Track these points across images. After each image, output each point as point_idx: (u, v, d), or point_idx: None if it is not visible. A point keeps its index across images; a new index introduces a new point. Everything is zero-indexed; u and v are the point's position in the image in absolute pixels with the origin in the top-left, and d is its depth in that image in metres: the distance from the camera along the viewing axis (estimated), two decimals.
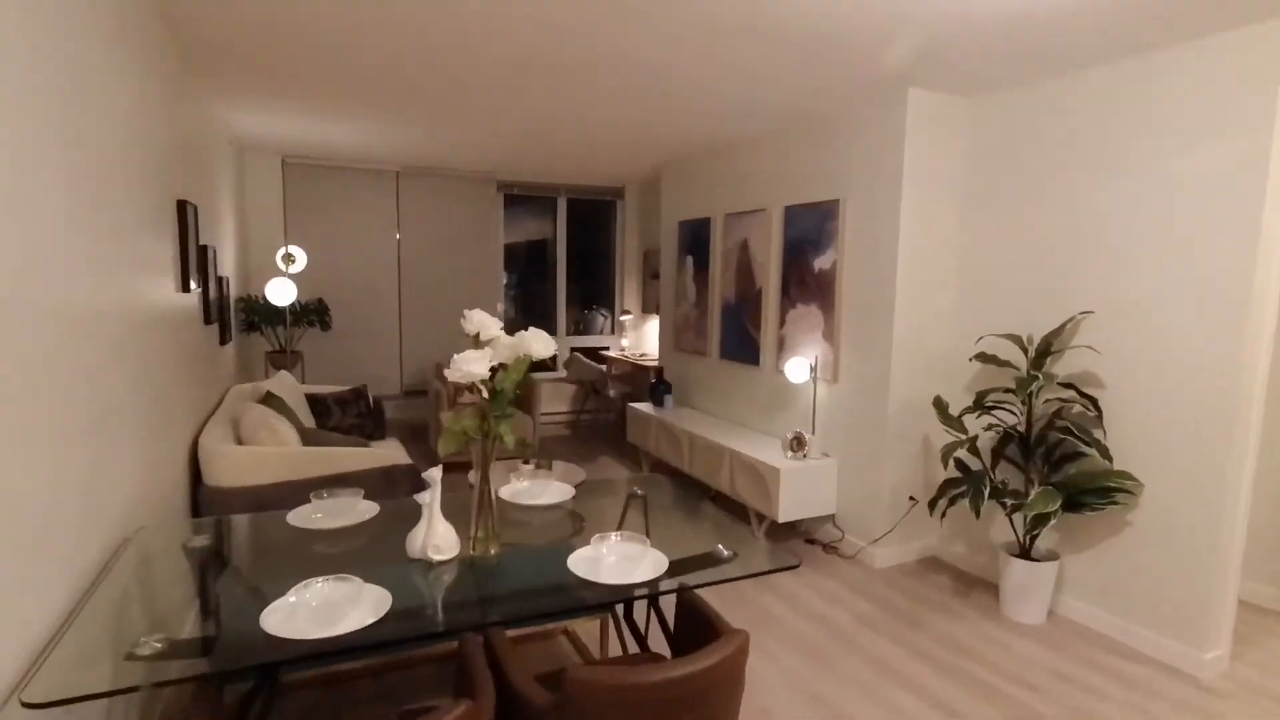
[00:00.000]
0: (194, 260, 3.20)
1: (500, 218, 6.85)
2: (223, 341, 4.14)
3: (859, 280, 3.77)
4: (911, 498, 3.77)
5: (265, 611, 1.53)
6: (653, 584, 1.76)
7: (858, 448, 3.83)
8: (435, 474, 1.84)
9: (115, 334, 2.00)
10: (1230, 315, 2.59)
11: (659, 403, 5.42)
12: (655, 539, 2.07)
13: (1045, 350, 3.08)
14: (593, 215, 7.46)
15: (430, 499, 1.83)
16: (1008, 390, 3.14)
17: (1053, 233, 3.18)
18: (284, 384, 4.27)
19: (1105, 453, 2.89)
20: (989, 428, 3.27)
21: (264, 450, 3.03)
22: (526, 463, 4.20)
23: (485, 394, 1.74)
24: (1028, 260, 3.29)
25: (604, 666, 1.36)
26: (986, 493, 3.01)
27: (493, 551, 1.88)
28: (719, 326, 5.06)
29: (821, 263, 4.00)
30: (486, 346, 1.81)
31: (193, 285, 3.15)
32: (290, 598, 1.55)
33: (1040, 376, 2.97)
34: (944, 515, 3.29)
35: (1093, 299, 3.03)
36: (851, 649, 2.87)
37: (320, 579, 1.59)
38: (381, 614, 1.54)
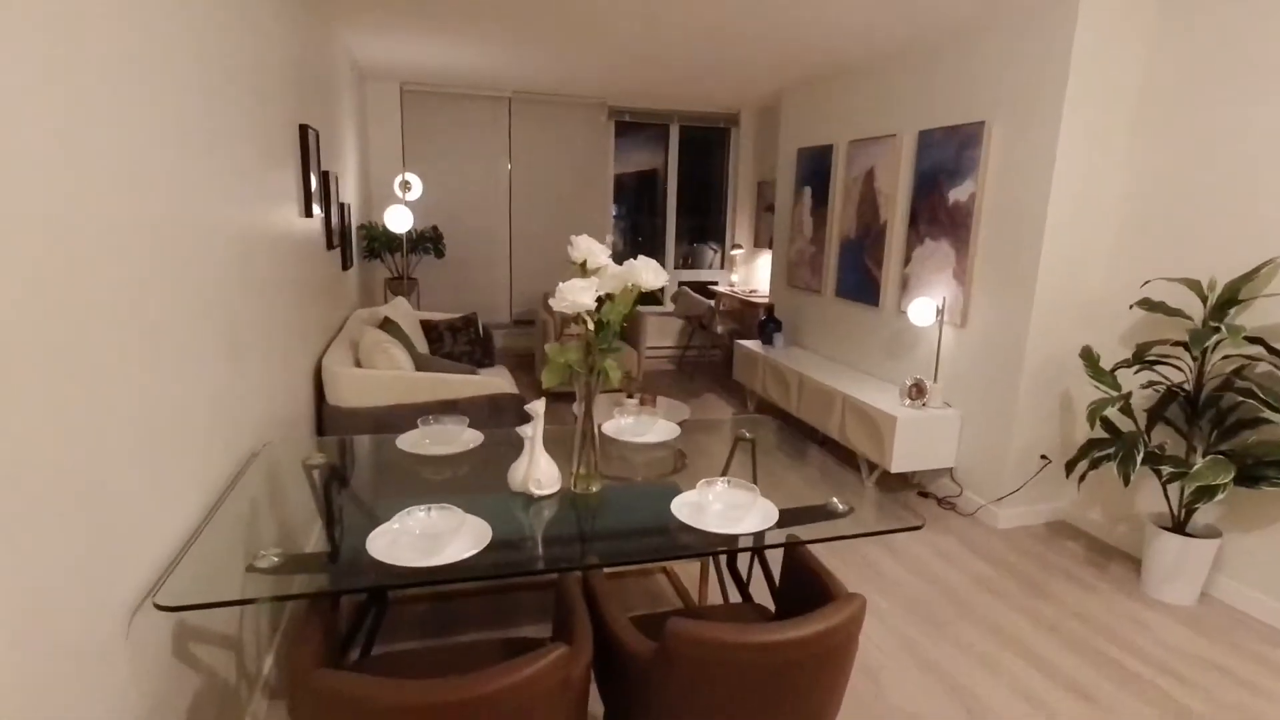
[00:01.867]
0: (316, 186, 3.28)
1: (611, 146, 6.69)
2: (345, 267, 4.30)
3: (1001, 214, 3.37)
4: (1044, 456, 3.44)
5: (370, 536, 1.54)
6: (760, 536, 1.66)
7: (985, 399, 3.51)
8: (538, 407, 1.79)
9: (241, 256, 2.05)
10: None
11: (768, 341, 5.22)
12: (763, 485, 1.95)
13: (1231, 298, 2.64)
14: (705, 145, 7.15)
15: (532, 432, 1.79)
16: (1176, 343, 2.73)
17: (1257, 156, 2.67)
18: (400, 310, 4.41)
19: None
20: (1148, 385, 2.88)
21: (379, 373, 3.13)
22: (631, 397, 4.17)
23: (590, 326, 1.64)
24: (1218, 191, 2.81)
25: (708, 623, 1.28)
26: (1140, 457, 2.67)
27: (594, 489, 1.83)
28: (836, 263, 4.75)
29: (957, 194, 3.61)
30: (593, 275, 1.71)
31: (315, 211, 3.24)
32: (394, 524, 1.56)
33: (1221, 328, 2.55)
34: (1083, 479, 2.97)
35: None
36: (968, 614, 2.68)
37: (423, 508, 1.59)
38: (481, 546, 1.52)
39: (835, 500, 1.81)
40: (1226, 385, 2.62)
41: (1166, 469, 2.68)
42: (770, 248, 6.32)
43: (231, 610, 1.82)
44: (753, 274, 7.05)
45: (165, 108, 1.53)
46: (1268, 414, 2.59)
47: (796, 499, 1.88)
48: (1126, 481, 2.65)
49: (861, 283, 4.45)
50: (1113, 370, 2.91)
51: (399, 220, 5.25)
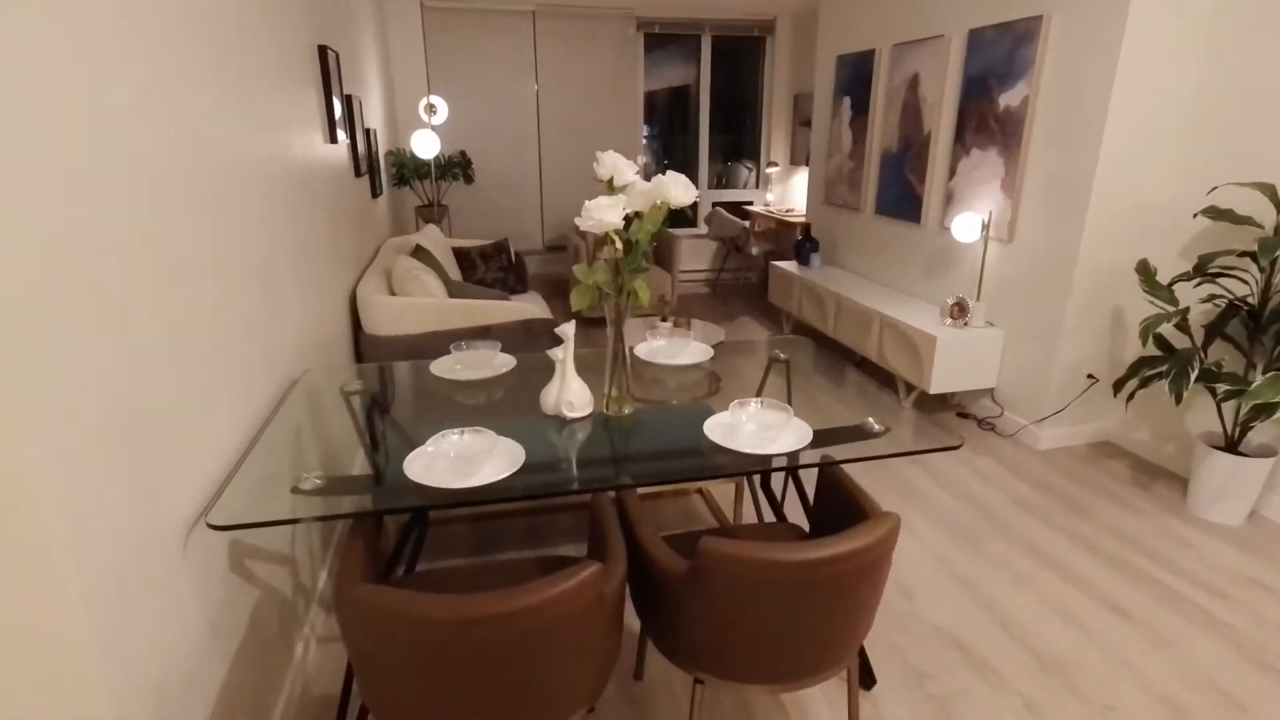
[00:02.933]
0: (340, 111, 3.22)
1: (640, 61, 6.41)
2: (374, 195, 4.27)
3: (1056, 119, 3.15)
4: (1091, 375, 3.34)
5: (407, 459, 1.57)
6: (794, 456, 1.64)
7: (1030, 317, 3.39)
8: (568, 330, 1.78)
9: (266, 186, 2.04)
10: None
11: (804, 261, 5.10)
12: (797, 406, 1.93)
13: None
14: (739, 57, 6.81)
15: (563, 355, 1.79)
16: (1243, 254, 2.57)
17: None
18: (431, 237, 4.39)
19: None
20: (1208, 299, 2.74)
21: (411, 301, 3.14)
22: (665, 320, 4.14)
23: (619, 246, 1.60)
24: None
25: (740, 541, 1.29)
26: (1194, 375, 2.57)
27: (626, 411, 1.83)
28: (876, 178, 4.55)
29: (1009, 99, 3.38)
30: (620, 193, 1.66)
31: (340, 136, 3.19)
32: (429, 447, 1.58)
33: None
34: (1131, 398, 2.88)
35: None
36: (1005, 533, 2.67)
37: (456, 431, 1.61)
38: (515, 468, 1.54)
39: (871, 420, 1.78)
40: None
41: (1223, 387, 2.57)
42: (807, 165, 6.09)
43: (284, 529, 1.90)
44: (789, 192, 6.83)
45: (176, 31, 1.48)
46: None
47: (832, 419, 1.86)
48: (1179, 400, 2.56)
49: (903, 198, 4.27)
50: (1170, 284, 2.76)
51: (426, 145, 5.17)
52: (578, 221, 1.57)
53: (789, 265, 5.13)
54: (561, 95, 6.28)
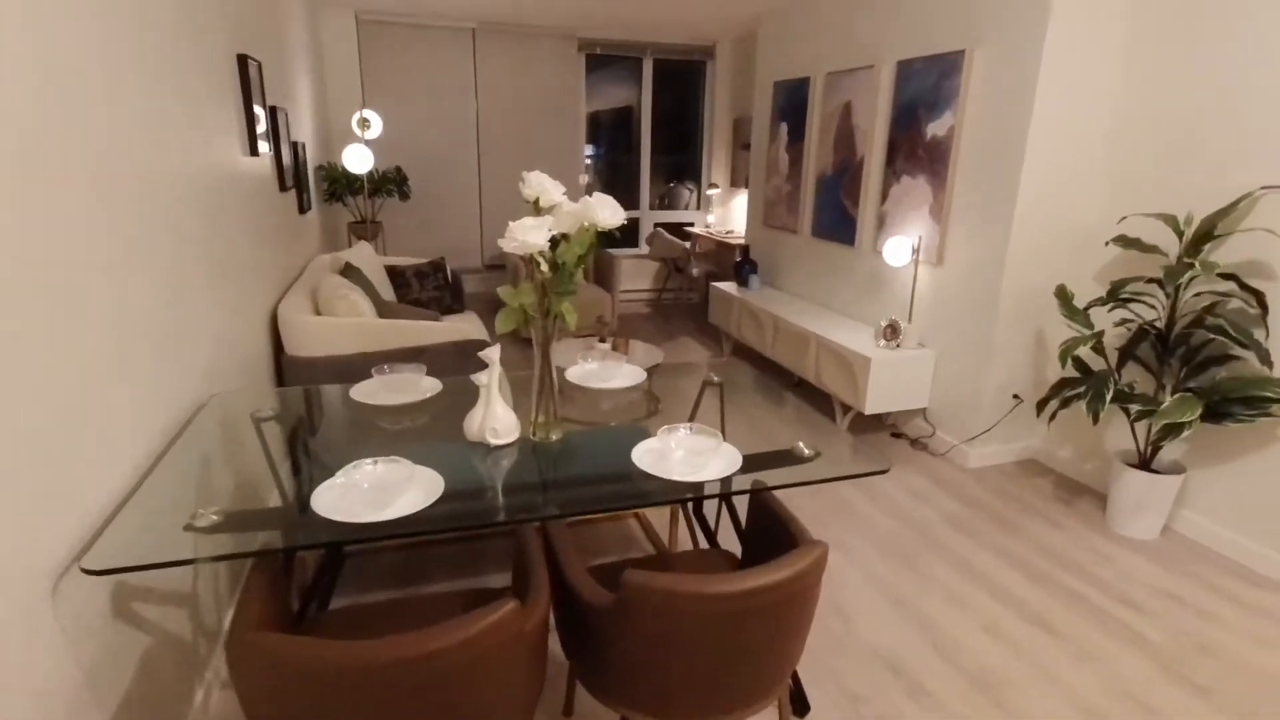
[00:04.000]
0: (264, 122, 3.09)
1: (582, 81, 6.42)
2: (302, 210, 4.11)
3: (980, 148, 3.27)
4: (1016, 396, 3.44)
5: (316, 492, 1.48)
6: (724, 483, 1.62)
7: (959, 339, 3.48)
8: (493, 354, 1.71)
9: (177, 197, 1.91)
10: None
11: (744, 283, 5.15)
12: (731, 431, 1.91)
13: (1207, 233, 2.60)
14: (681, 80, 6.89)
15: (488, 380, 1.72)
16: (1150, 280, 2.70)
17: (1242, 85, 2.59)
18: (363, 255, 4.25)
19: (1265, 356, 2.47)
20: (1121, 323, 2.86)
21: (338, 321, 3.02)
22: (603, 341, 4.10)
23: (544, 267, 1.55)
24: (1199, 123, 2.73)
25: (664, 574, 1.24)
26: (1109, 396, 2.66)
27: (554, 437, 1.77)
28: (812, 202, 4.63)
29: (935, 128, 3.49)
30: (547, 214, 1.61)
31: (263, 148, 3.06)
32: (339, 479, 1.49)
33: (1196, 265, 2.51)
34: (1053, 418, 2.98)
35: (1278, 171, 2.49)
36: (938, 551, 2.71)
37: (370, 461, 1.53)
38: (433, 499, 1.46)
39: (801, 445, 1.77)
40: (1198, 322, 2.60)
41: (1135, 407, 2.68)
42: (747, 187, 6.18)
43: (183, 568, 1.77)
44: (730, 214, 6.91)
45: (83, 32, 1.37)
46: (1237, 350, 2.58)
47: (767, 443, 1.84)
48: (1096, 420, 2.65)
49: (838, 221, 4.36)
50: (1086, 309, 2.88)
51: (358, 160, 5.03)
52: (501, 243, 1.52)
53: (729, 286, 5.17)
54: (502, 113, 6.22)
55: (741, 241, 5.91)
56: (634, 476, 1.61)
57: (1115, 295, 2.80)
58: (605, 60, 6.56)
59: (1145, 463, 2.83)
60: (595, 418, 1.99)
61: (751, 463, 1.70)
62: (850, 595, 2.43)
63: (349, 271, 3.65)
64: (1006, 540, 2.80)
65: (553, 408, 1.75)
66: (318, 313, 3.15)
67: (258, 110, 2.99)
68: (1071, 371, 2.92)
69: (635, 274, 7.05)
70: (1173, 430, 2.50)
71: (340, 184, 5.27)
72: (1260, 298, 2.52)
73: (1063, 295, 2.93)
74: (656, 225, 7.02)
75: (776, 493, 1.68)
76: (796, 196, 4.78)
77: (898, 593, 2.45)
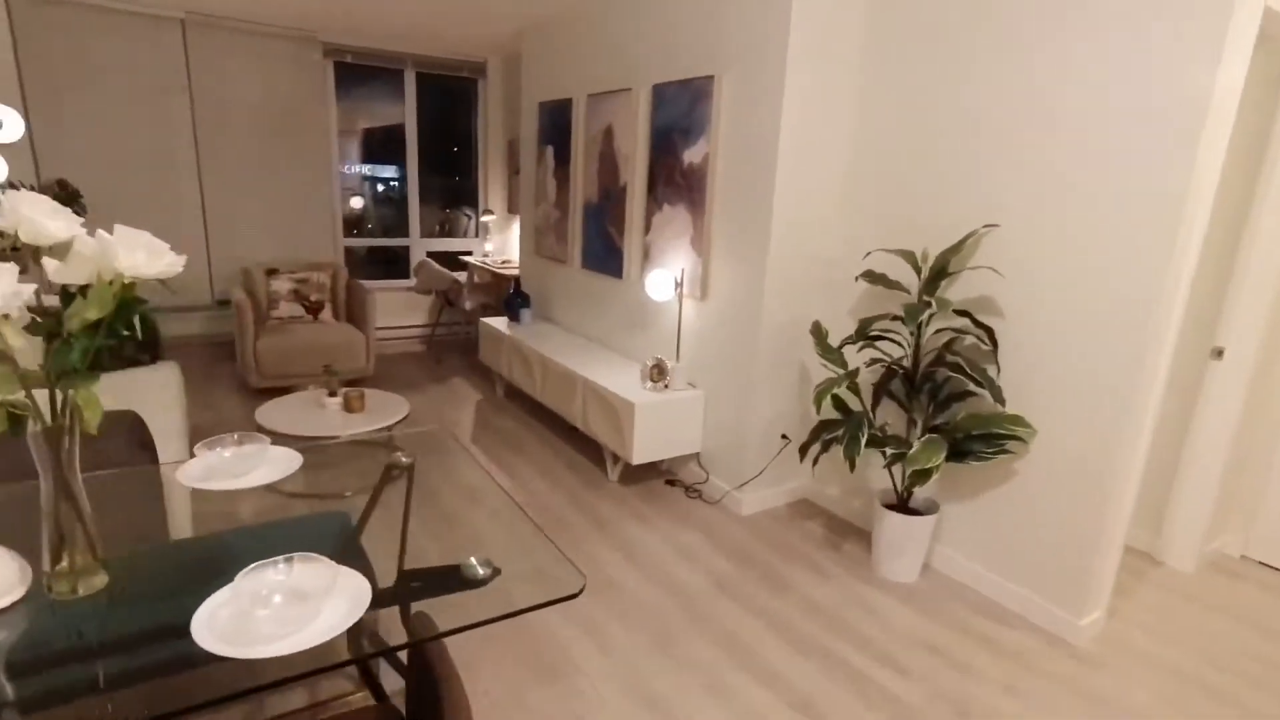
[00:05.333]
0: None
1: (330, 92, 5.65)
2: None
3: (734, 177, 3.10)
4: (784, 436, 3.30)
5: None
6: (320, 652, 1.10)
7: (726, 378, 3.28)
8: None
9: None
10: (1161, 235, 2.12)
11: (515, 317, 4.70)
12: (415, 534, 1.42)
13: (942, 270, 2.57)
14: (453, 97, 6.35)
15: None
16: (895, 317, 2.63)
17: (962, 125, 2.60)
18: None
19: (998, 394, 2.46)
20: (872, 362, 2.78)
21: None
22: (333, 395, 3.42)
23: (9, 339, 0.97)
24: (932, 159, 2.72)
25: None
26: (864, 440, 2.54)
27: (91, 588, 1.15)
28: (581, 230, 4.31)
29: (692, 155, 3.30)
30: (48, 255, 1.03)
31: None
32: None
33: (933, 302, 2.46)
34: (815, 462, 2.84)
35: (1000, 209, 2.51)
36: (703, 626, 2.40)
37: None
38: None
39: (474, 560, 1.31)
40: (939, 360, 2.56)
41: (890, 450, 2.58)
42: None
43: None
44: (507, 243, 6.47)
45: None
46: (973, 388, 2.56)
47: (455, 548, 1.37)
48: (852, 466, 2.51)
49: (606, 252, 4.06)
50: (840, 346, 2.77)
51: None
52: None
53: (499, 322, 4.69)
54: (228, 122, 5.27)
55: (517, 272, 5.47)
56: (196, 658, 1.05)
57: (864, 333, 2.70)
58: (367, 72, 5.85)
59: (903, 502, 2.75)
60: (200, 540, 1.39)
61: (389, 597, 1.21)
62: (593, 703, 2.02)
63: None
64: (776, 603, 2.56)
65: (90, 544, 1.14)
66: None
67: None
68: (831, 412, 2.80)
69: (406, 309, 6.34)
70: (922, 476, 2.40)
71: None
72: (991, 334, 2.52)
73: (818, 333, 2.80)
74: (428, 254, 6.38)
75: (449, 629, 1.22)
76: (565, 224, 4.44)
77: (650, 690, 2.09)
